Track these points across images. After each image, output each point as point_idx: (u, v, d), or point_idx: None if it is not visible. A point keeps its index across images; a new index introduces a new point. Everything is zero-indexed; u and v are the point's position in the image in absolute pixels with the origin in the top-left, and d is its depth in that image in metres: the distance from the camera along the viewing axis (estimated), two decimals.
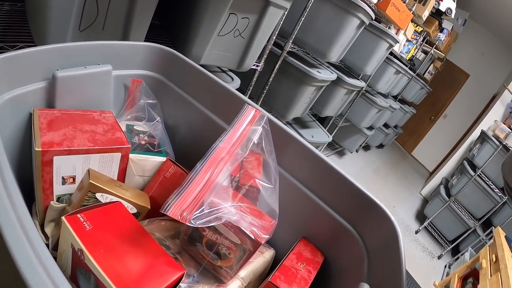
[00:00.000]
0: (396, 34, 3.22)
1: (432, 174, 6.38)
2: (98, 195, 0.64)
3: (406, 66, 4.05)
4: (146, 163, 0.79)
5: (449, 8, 4.11)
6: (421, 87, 5.49)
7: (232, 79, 1.68)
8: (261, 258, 0.77)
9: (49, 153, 0.61)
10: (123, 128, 0.84)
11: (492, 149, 3.93)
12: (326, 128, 3.49)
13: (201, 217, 0.53)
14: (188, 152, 0.90)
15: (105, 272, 0.46)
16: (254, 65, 1.67)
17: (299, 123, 3.19)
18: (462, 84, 6.70)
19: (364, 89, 3.75)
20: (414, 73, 4.87)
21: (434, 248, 4.15)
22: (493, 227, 3.63)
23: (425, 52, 5.23)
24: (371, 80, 3.76)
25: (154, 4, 1.05)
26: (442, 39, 4.83)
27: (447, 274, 3.50)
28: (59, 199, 0.68)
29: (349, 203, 0.76)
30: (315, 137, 3.04)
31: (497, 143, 3.89)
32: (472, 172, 4.02)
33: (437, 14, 4.29)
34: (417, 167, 7.03)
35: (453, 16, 4.26)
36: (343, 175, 0.75)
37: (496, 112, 4.75)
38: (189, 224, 0.51)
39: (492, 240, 2.66)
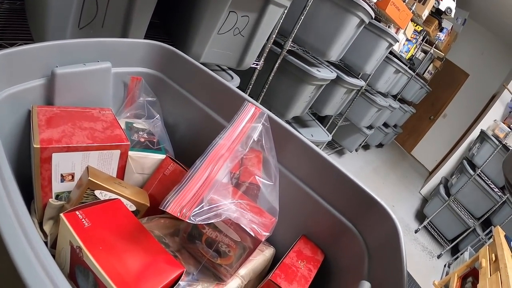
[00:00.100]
0: (395, 33, 3.22)
1: (431, 173, 6.38)
2: (97, 193, 0.63)
3: (406, 65, 4.06)
4: (145, 161, 0.78)
5: (449, 8, 4.11)
6: (421, 87, 5.49)
7: (232, 78, 1.67)
8: (261, 256, 0.76)
9: (48, 150, 0.60)
10: (123, 126, 0.83)
11: (492, 149, 3.93)
12: (326, 127, 3.49)
13: (201, 214, 0.52)
14: (187, 149, 0.89)
15: (104, 269, 0.46)
16: (253, 63, 1.67)
17: (299, 122, 3.19)
18: (462, 83, 6.70)
19: (363, 88, 3.75)
20: (414, 73, 4.87)
21: (434, 248, 4.15)
22: (492, 227, 3.63)
23: (425, 52, 5.23)
24: (370, 79, 3.76)
25: (154, 2, 1.05)
26: (442, 38, 4.83)
27: (447, 274, 3.50)
28: (58, 197, 0.68)
29: (350, 201, 0.76)
30: (315, 136, 3.03)
31: (497, 142, 3.89)
32: (471, 172, 4.02)
33: (436, 13, 4.29)
34: (417, 167, 7.03)
35: (452, 15, 4.26)
36: (344, 173, 0.75)
37: (496, 111, 4.75)
38: (188, 221, 0.51)
39: (491, 240, 2.66)
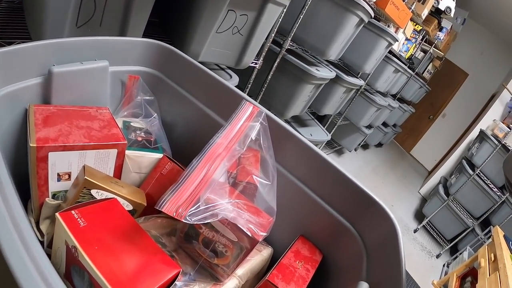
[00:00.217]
0: (395, 32, 3.21)
1: (430, 173, 6.38)
2: (93, 192, 0.63)
3: (405, 65, 4.05)
4: (142, 160, 0.78)
5: (448, 7, 4.11)
6: (420, 86, 5.49)
7: (231, 77, 1.67)
8: (259, 256, 0.76)
9: (44, 149, 0.60)
10: (120, 125, 0.83)
11: (491, 148, 3.93)
12: (325, 127, 3.49)
13: (197, 214, 0.52)
14: (185, 148, 0.89)
15: (99, 269, 0.45)
16: (252, 62, 1.67)
17: (298, 121, 3.18)
18: (461, 83, 6.69)
19: (363, 87, 3.75)
20: (413, 72, 4.87)
21: (433, 247, 4.15)
22: (491, 226, 3.62)
23: (424, 51, 5.23)
24: (370, 79, 3.76)
25: (152, 1, 1.04)
26: (441, 38, 4.83)
27: (446, 273, 3.49)
28: (54, 196, 0.68)
29: (348, 201, 0.75)
30: (314, 135, 3.03)
31: (496, 142, 3.89)
32: (470, 171, 4.01)
33: (436, 13, 4.29)
34: (416, 166, 7.03)
35: (452, 15, 4.26)
36: (342, 172, 0.74)
37: (495, 111, 4.75)
38: (184, 221, 0.50)
39: (490, 239, 2.66)
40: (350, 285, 0.68)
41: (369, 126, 4.77)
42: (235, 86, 1.57)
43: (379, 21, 2.91)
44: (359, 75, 3.47)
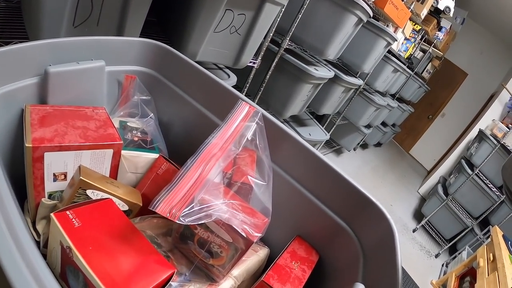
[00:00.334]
0: (394, 32, 3.21)
1: (430, 172, 6.38)
2: (89, 192, 0.63)
3: (404, 64, 4.05)
4: (138, 160, 0.78)
5: (447, 7, 4.11)
6: (419, 86, 5.49)
7: (229, 76, 1.67)
8: (255, 256, 0.76)
9: (40, 149, 0.60)
10: (116, 125, 0.83)
11: (490, 148, 3.93)
12: (324, 126, 3.49)
13: (191, 215, 0.52)
14: (182, 149, 0.89)
15: (93, 270, 0.45)
16: (251, 62, 1.67)
17: (297, 121, 3.18)
18: (460, 83, 6.69)
19: (362, 87, 3.75)
20: (412, 72, 4.87)
21: (432, 247, 4.15)
22: (490, 226, 3.62)
23: (423, 51, 5.23)
24: (369, 78, 3.76)
25: (149, 0, 1.04)
26: (441, 37, 4.83)
27: (445, 273, 3.50)
28: (50, 196, 0.68)
29: (345, 201, 0.75)
30: (313, 135, 3.03)
31: (495, 142, 3.89)
32: (469, 171, 4.02)
33: (435, 12, 4.29)
34: (415, 166, 7.03)
35: (451, 14, 4.26)
36: (339, 173, 0.74)
37: (494, 111, 4.75)
38: (178, 222, 0.50)
39: (489, 239, 2.66)
40: (346, 286, 0.68)
41: (368, 126, 4.77)
42: (233, 86, 1.58)
43: (378, 21, 2.91)
44: (358, 75, 3.47)
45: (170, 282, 0.52)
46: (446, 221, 4.20)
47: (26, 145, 0.59)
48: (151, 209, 0.50)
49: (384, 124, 5.78)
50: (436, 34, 4.75)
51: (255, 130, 0.70)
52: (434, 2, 3.95)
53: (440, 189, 4.43)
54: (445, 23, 4.81)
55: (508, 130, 3.94)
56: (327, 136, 3.20)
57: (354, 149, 5.42)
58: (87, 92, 0.80)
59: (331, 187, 0.76)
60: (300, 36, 2.23)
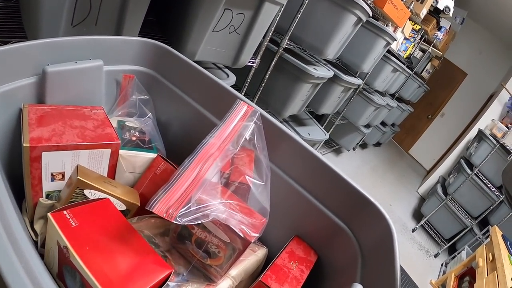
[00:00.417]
0: (393, 32, 3.21)
1: (429, 172, 6.39)
2: (86, 192, 0.63)
3: (404, 64, 4.05)
4: (136, 160, 0.78)
5: (447, 7, 4.11)
6: (419, 86, 5.49)
7: (228, 76, 1.67)
8: (253, 256, 0.76)
9: (37, 149, 0.60)
10: (114, 124, 0.83)
11: (489, 148, 3.93)
12: (323, 126, 3.49)
13: (188, 215, 0.52)
14: (180, 148, 0.89)
15: (90, 270, 0.45)
16: (250, 61, 1.66)
17: (296, 120, 3.18)
18: (460, 82, 6.70)
19: (361, 87, 3.75)
20: (412, 72, 4.87)
21: (431, 247, 4.16)
22: (489, 226, 3.63)
23: (423, 51, 5.23)
24: (368, 78, 3.76)
25: (148, 0, 1.04)
26: (440, 37, 4.83)
27: (444, 273, 3.50)
28: (48, 196, 0.67)
29: (343, 201, 0.75)
30: (312, 134, 3.03)
31: (494, 142, 3.90)
32: (469, 171, 4.02)
33: (435, 12, 4.29)
34: (414, 166, 7.04)
35: (451, 14, 4.26)
36: (337, 173, 0.74)
37: (494, 111, 4.76)
38: (174, 222, 0.50)
39: (488, 239, 2.67)
40: (344, 286, 0.67)
41: (367, 126, 4.77)
42: (232, 85, 1.58)
43: (377, 20, 2.91)
44: (357, 75, 3.47)
45: (168, 282, 0.52)
46: (445, 221, 4.20)
47: (24, 144, 0.58)
48: (147, 209, 0.50)
49: (383, 123, 5.79)
50: (436, 34, 4.75)
51: (253, 129, 0.69)
52: (433, 2, 3.95)
53: (439, 189, 4.43)
54: (444, 23, 4.81)
55: (507, 130, 3.94)
56: (326, 136, 3.20)
57: (354, 149, 5.42)
58: (85, 92, 0.79)
59: (329, 187, 0.76)
60: (300, 35, 2.23)
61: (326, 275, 0.78)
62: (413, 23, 4.14)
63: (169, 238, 0.69)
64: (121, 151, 0.74)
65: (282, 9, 1.62)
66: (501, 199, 3.72)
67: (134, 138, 0.81)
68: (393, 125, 6.30)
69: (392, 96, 5.24)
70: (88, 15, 0.96)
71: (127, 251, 0.51)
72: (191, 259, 0.65)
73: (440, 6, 4.06)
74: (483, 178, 3.97)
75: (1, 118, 0.63)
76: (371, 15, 2.32)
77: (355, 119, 4.15)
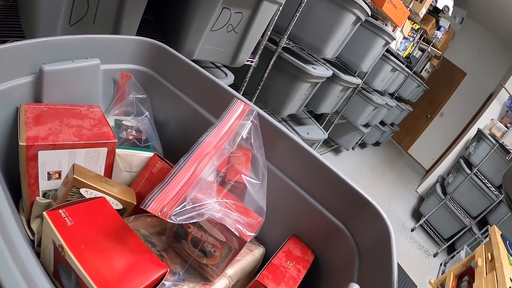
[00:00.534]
0: (392, 31, 3.21)
1: (428, 172, 6.39)
2: (82, 191, 0.63)
3: (403, 63, 4.05)
4: (133, 158, 0.78)
5: (446, 6, 4.11)
6: (418, 85, 5.49)
7: (226, 75, 1.67)
8: (250, 256, 0.76)
9: (34, 148, 0.60)
10: (111, 123, 0.83)
11: (489, 148, 3.93)
12: (322, 125, 3.49)
13: (183, 213, 0.52)
14: (177, 147, 0.89)
15: (85, 269, 0.45)
16: (248, 61, 1.66)
17: (295, 120, 3.18)
18: (459, 82, 6.70)
19: (360, 86, 3.75)
20: (411, 71, 4.87)
21: (430, 246, 4.16)
22: (489, 226, 3.63)
23: (422, 50, 5.23)
24: (367, 77, 3.76)
25: None
26: (439, 37, 4.83)
27: (443, 272, 3.50)
28: (45, 195, 0.67)
29: (341, 201, 0.75)
30: (311, 134, 3.03)
31: (494, 141, 3.90)
32: (468, 171, 4.02)
33: (434, 11, 4.28)
34: (414, 165, 7.04)
35: (450, 14, 4.26)
36: (335, 172, 0.74)
37: (493, 110, 4.76)
38: (169, 220, 0.50)
39: (487, 239, 2.67)
40: (341, 286, 0.67)
41: (366, 125, 4.76)
42: (231, 85, 1.58)
43: (376, 20, 2.91)
44: (356, 74, 3.47)
45: (164, 282, 0.52)
46: (444, 220, 4.20)
47: (20, 143, 0.58)
48: (142, 207, 0.50)
49: (382, 123, 5.78)
50: (435, 33, 4.75)
51: (250, 128, 0.69)
52: (433, 1, 3.95)
53: (438, 189, 4.44)
54: (444, 22, 4.81)
55: (506, 129, 3.94)
56: (325, 135, 3.20)
57: (353, 148, 5.42)
58: (82, 91, 0.79)
59: (327, 186, 0.76)
60: (298, 34, 2.23)
61: (323, 275, 0.78)
62: (412, 22, 4.14)
63: (165, 237, 0.69)
64: (117, 150, 0.74)
65: (281, 8, 1.62)
66: (500, 199, 3.73)
67: (131, 137, 0.81)
68: (392, 124, 6.30)
69: (391, 95, 5.24)
70: (85, 14, 0.96)
71: (123, 250, 0.51)
72: (188, 258, 0.65)
73: (440, 5, 4.06)
74: (482, 177, 3.97)
75: None
76: (370, 14, 2.32)
77: (354, 118, 4.15)
